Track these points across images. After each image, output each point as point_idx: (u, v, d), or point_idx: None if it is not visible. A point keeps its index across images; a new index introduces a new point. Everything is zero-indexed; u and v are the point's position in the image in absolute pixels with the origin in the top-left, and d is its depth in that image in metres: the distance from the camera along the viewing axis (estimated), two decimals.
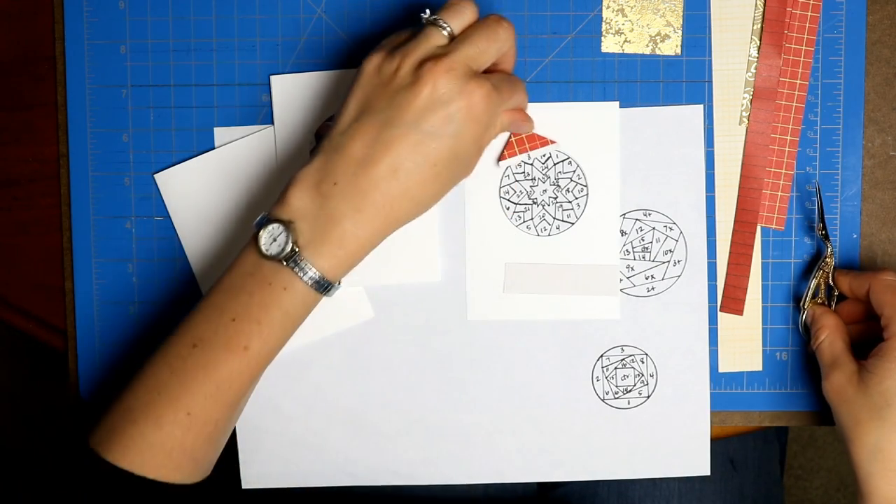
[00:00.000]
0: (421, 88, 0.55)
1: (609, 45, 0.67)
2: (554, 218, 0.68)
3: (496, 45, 0.58)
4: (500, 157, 0.67)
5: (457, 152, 0.57)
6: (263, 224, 0.57)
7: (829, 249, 0.65)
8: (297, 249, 0.56)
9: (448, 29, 0.58)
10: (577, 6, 0.67)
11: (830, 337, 0.63)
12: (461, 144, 0.57)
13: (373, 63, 0.58)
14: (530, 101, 0.67)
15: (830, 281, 0.66)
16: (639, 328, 0.68)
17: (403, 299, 0.69)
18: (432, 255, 0.68)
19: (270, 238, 0.56)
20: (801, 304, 0.66)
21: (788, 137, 0.67)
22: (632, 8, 0.67)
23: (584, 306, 0.68)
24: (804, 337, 0.67)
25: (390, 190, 0.56)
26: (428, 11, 0.59)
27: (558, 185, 0.68)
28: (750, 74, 0.67)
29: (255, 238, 0.57)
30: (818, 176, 0.67)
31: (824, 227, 0.65)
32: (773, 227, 0.67)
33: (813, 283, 0.66)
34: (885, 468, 0.57)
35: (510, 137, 0.67)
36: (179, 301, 0.70)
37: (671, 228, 0.68)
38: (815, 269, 0.66)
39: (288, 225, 0.56)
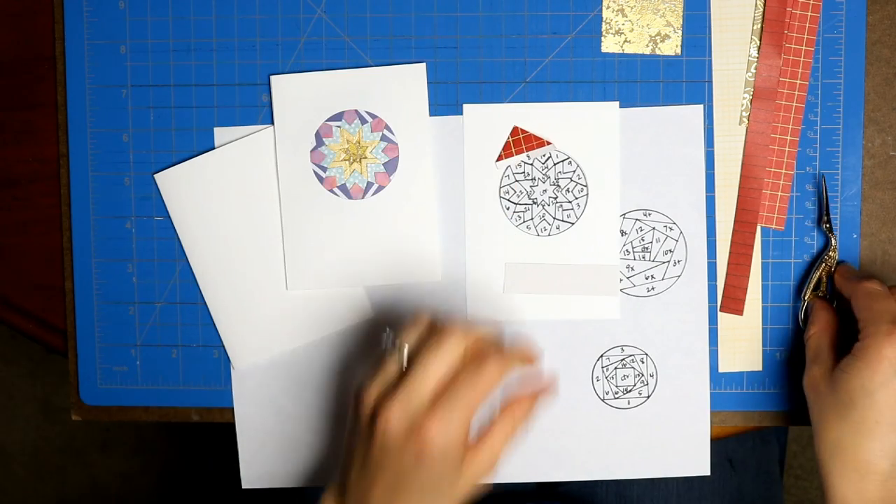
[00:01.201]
0: (376, 437, 0.55)
1: (609, 45, 0.67)
2: (554, 218, 0.68)
3: (443, 362, 0.56)
4: (499, 158, 0.67)
5: (435, 484, 0.56)
6: None
7: (834, 242, 0.66)
8: None
9: (403, 359, 0.57)
10: (577, 6, 0.67)
11: (819, 332, 0.63)
12: (433, 478, 0.55)
13: (351, 400, 0.59)
14: (530, 101, 0.67)
15: (833, 274, 0.66)
16: (639, 328, 0.68)
17: (403, 299, 0.69)
18: (433, 255, 0.68)
19: None
20: (802, 295, 0.67)
21: (788, 137, 0.67)
22: (632, 8, 0.67)
23: (584, 306, 0.68)
24: (803, 328, 0.67)
25: None
26: (388, 330, 0.59)
27: (558, 185, 0.68)
28: (750, 74, 0.67)
29: None
30: (818, 175, 0.67)
31: (829, 220, 0.66)
32: (773, 227, 0.67)
33: (815, 275, 0.66)
34: (844, 466, 0.58)
35: (508, 138, 0.67)
36: (179, 301, 0.70)
37: (671, 228, 0.68)
38: (818, 261, 0.66)
39: None
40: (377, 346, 0.63)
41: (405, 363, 0.57)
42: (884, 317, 0.58)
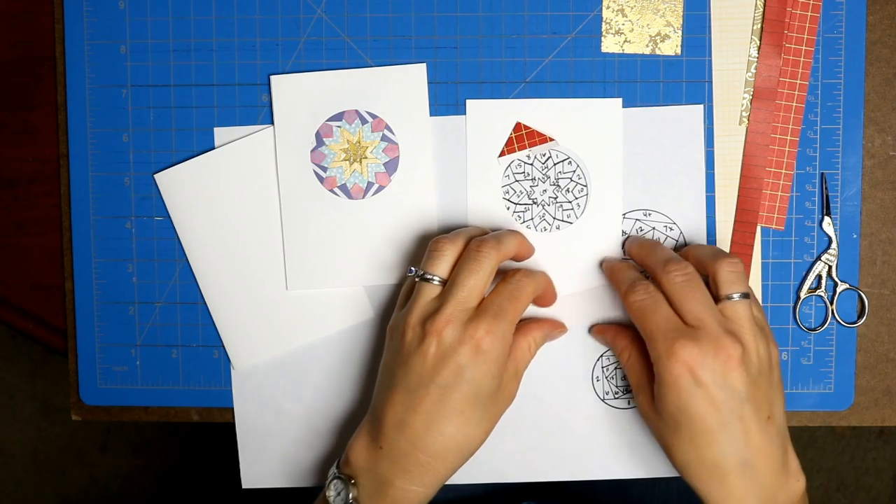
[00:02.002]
0: (427, 348, 0.58)
1: (609, 45, 0.67)
2: (554, 218, 0.68)
3: (483, 275, 0.60)
4: (501, 154, 0.67)
5: (478, 394, 0.59)
6: (331, 478, 0.61)
7: (834, 242, 0.66)
8: None
9: (436, 279, 0.61)
10: (577, 6, 0.67)
11: (628, 357, 0.64)
12: (480, 386, 0.59)
13: (389, 330, 0.62)
14: (531, 97, 0.67)
15: (834, 274, 0.66)
16: None
17: None
18: None
19: (335, 492, 0.60)
20: (799, 292, 0.67)
21: (788, 137, 0.67)
22: (632, 8, 0.67)
23: (585, 306, 0.68)
24: (802, 327, 0.68)
25: (429, 447, 0.59)
26: (413, 269, 0.62)
27: (558, 185, 0.68)
28: (750, 74, 0.67)
29: (325, 489, 0.61)
30: (819, 174, 0.67)
31: (829, 220, 0.66)
32: (773, 227, 0.67)
33: (812, 274, 0.66)
34: (705, 480, 0.58)
35: (511, 134, 0.67)
36: (179, 301, 0.70)
37: (671, 228, 0.68)
38: (816, 259, 0.67)
39: (348, 482, 0.60)
40: (404, 284, 0.65)
41: (444, 278, 0.61)
42: (660, 333, 0.58)
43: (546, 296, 0.65)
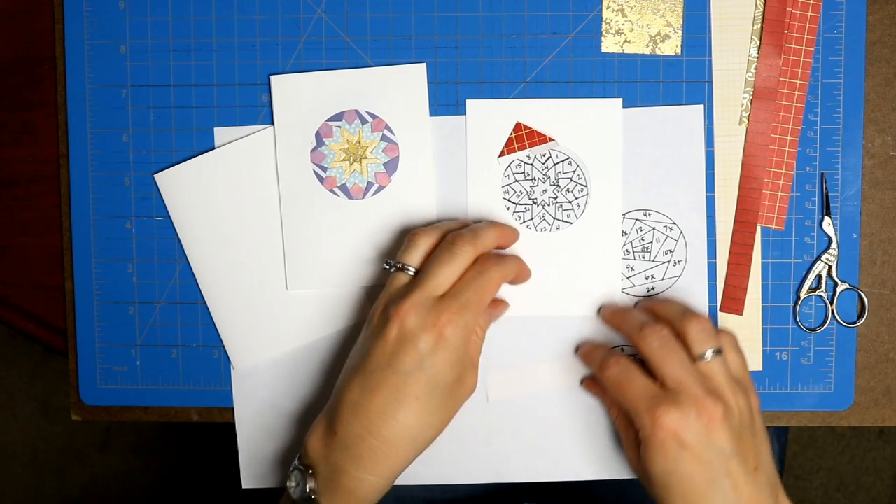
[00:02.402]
0: (389, 331, 0.58)
1: (609, 45, 0.67)
2: (554, 218, 0.68)
3: (454, 267, 0.60)
4: (501, 154, 0.67)
5: (436, 382, 0.59)
6: (292, 469, 0.60)
7: (834, 242, 0.66)
8: (313, 497, 0.59)
9: (410, 269, 0.61)
10: (577, 6, 0.67)
11: (619, 416, 0.65)
12: (438, 374, 0.59)
13: (366, 323, 0.62)
14: (531, 97, 0.67)
15: (834, 274, 0.66)
16: None
17: None
18: None
19: (294, 483, 0.60)
20: (799, 292, 0.67)
21: (788, 137, 0.67)
22: (632, 8, 0.67)
23: (585, 306, 0.68)
24: (802, 327, 0.68)
25: (382, 432, 0.58)
26: (389, 263, 0.62)
27: (558, 185, 0.68)
28: (750, 74, 0.67)
29: (287, 481, 0.61)
30: (819, 174, 0.67)
31: (829, 219, 0.66)
32: (773, 227, 0.67)
33: (812, 274, 0.66)
34: None
35: (511, 134, 0.67)
36: (179, 301, 0.70)
37: (671, 228, 0.68)
38: (816, 259, 0.67)
39: (306, 471, 0.59)
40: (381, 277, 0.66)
41: (417, 268, 0.61)
42: (640, 402, 0.58)
43: (518, 278, 0.65)
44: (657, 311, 0.63)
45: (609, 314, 0.66)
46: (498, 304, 0.67)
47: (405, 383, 0.58)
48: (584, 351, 0.67)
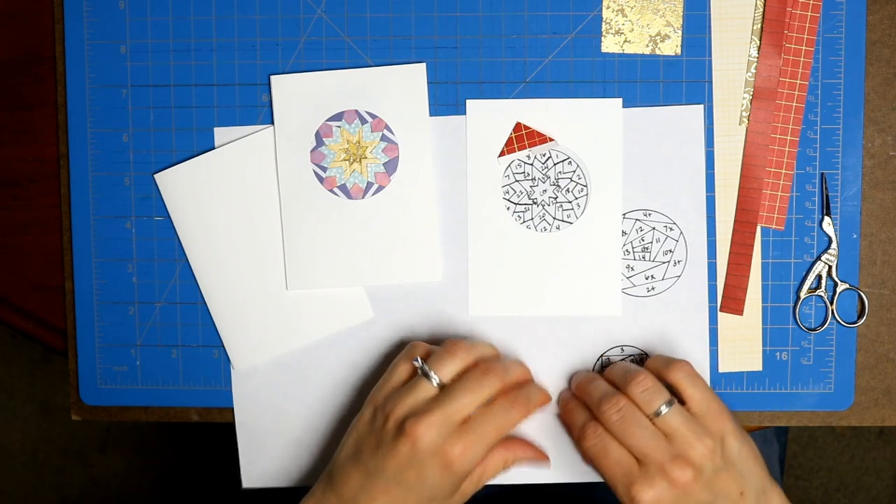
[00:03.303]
0: (401, 446, 0.59)
1: (609, 45, 0.67)
2: (554, 218, 0.68)
3: (481, 395, 0.61)
4: (501, 154, 0.67)
5: (432, 498, 0.60)
6: None
7: (835, 241, 0.66)
8: None
9: (437, 380, 0.61)
10: (577, 6, 0.67)
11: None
12: (437, 491, 0.60)
13: (368, 411, 0.63)
14: (531, 97, 0.67)
15: (834, 274, 0.66)
16: (639, 328, 0.68)
17: (404, 299, 0.69)
18: (433, 255, 0.68)
19: None
20: (799, 292, 0.67)
21: (788, 137, 0.67)
22: (632, 8, 0.67)
23: (585, 306, 0.68)
24: (802, 327, 0.68)
25: None
26: (419, 359, 0.62)
27: (558, 185, 0.68)
28: (750, 74, 0.67)
29: None
30: (819, 174, 0.67)
31: (829, 219, 0.66)
32: (773, 227, 0.67)
33: (812, 274, 0.66)
34: None
35: (511, 134, 0.67)
36: (179, 301, 0.70)
37: (671, 228, 0.68)
38: (816, 259, 0.67)
39: None
40: (392, 359, 0.65)
41: (443, 383, 0.61)
42: (616, 480, 0.60)
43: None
44: (607, 377, 0.64)
45: (575, 388, 0.66)
46: (540, 456, 0.66)
47: (405, 498, 0.59)
48: (564, 407, 0.66)
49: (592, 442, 0.61)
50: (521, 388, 0.63)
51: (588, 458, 0.62)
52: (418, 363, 0.62)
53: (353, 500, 0.60)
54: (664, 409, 0.60)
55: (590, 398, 0.63)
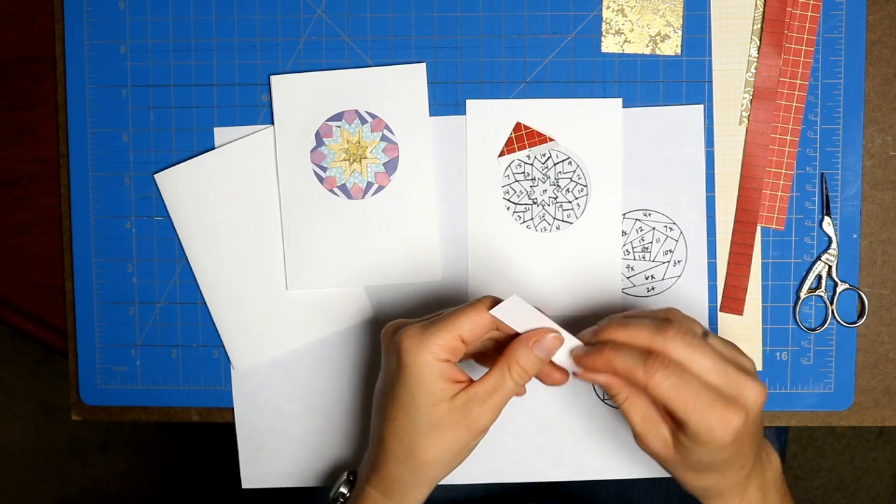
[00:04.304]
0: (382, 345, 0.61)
1: (609, 45, 0.67)
2: (554, 218, 0.68)
3: (466, 313, 0.57)
4: (501, 154, 0.67)
5: (409, 398, 0.57)
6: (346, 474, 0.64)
7: (835, 241, 0.66)
8: (341, 501, 0.63)
9: None
10: (577, 6, 0.67)
11: (629, 399, 0.57)
12: (410, 389, 0.57)
13: None
14: (531, 97, 0.67)
15: (834, 274, 0.66)
16: None
17: (404, 299, 0.69)
18: (433, 255, 0.68)
19: (337, 485, 0.64)
20: (799, 292, 0.67)
21: (788, 137, 0.67)
22: (632, 8, 0.67)
23: (585, 306, 0.68)
24: (802, 327, 0.68)
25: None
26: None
27: (558, 185, 0.68)
28: (750, 74, 0.67)
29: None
30: (819, 174, 0.67)
31: (829, 219, 0.66)
32: (773, 227, 0.67)
33: (812, 274, 0.66)
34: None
35: (511, 134, 0.67)
36: (179, 301, 0.70)
37: (671, 228, 0.68)
38: (816, 259, 0.67)
39: (348, 478, 0.64)
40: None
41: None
42: (703, 405, 0.54)
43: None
44: (629, 340, 0.57)
45: (611, 332, 0.57)
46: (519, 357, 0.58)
47: (393, 387, 0.58)
48: (603, 357, 0.56)
49: (666, 373, 0.54)
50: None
51: (663, 393, 0.54)
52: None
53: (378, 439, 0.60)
54: (707, 339, 0.56)
55: (643, 332, 0.56)
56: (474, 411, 0.57)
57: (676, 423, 0.55)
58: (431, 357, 0.56)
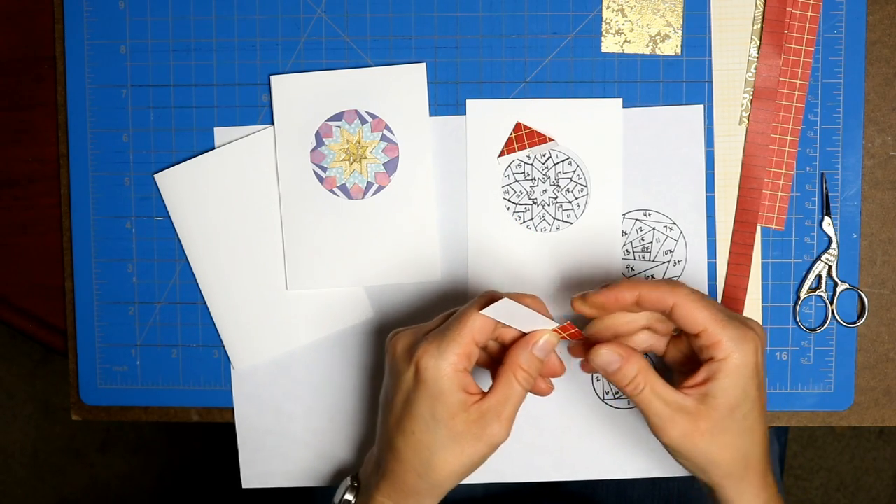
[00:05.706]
0: (387, 356, 0.60)
1: (609, 45, 0.67)
2: (554, 218, 0.68)
3: (463, 316, 0.58)
4: (501, 154, 0.67)
5: (429, 412, 0.58)
6: (349, 478, 0.64)
7: (835, 241, 0.66)
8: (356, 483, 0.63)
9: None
10: (577, 6, 0.67)
11: (647, 387, 0.57)
12: (429, 404, 0.57)
13: None
14: (531, 97, 0.67)
15: (834, 274, 0.66)
16: None
17: (404, 299, 0.69)
18: (433, 255, 0.68)
19: (341, 492, 0.63)
20: (799, 292, 0.67)
21: (788, 137, 0.67)
22: (632, 8, 0.67)
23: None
24: (802, 327, 0.68)
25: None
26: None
27: (558, 185, 0.68)
28: (750, 74, 0.67)
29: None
30: (819, 174, 0.67)
31: (829, 219, 0.66)
32: (773, 227, 0.67)
33: (812, 274, 0.66)
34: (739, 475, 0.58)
35: (511, 134, 0.67)
36: (179, 301, 0.70)
37: (671, 228, 0.68)
38: (816, 259, 0.67)
39: (352, 483, 0.63)
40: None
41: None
42: (722, 312, 0.56)
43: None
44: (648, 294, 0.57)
45: (632, 292, 0.57)
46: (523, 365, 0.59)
47: (410, 403, 0.58)
48: (625, 285, 0.57)
49: (690, 289, 0.56)
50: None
51: (690, 305, 0.55)
52: None
53: (386, 440, 0.59)
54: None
55: (657, 287, 0.57)
56: (492, 427, 0.58)
57: (699, 351, 0.57)
58: (451, 369, 0.57)
